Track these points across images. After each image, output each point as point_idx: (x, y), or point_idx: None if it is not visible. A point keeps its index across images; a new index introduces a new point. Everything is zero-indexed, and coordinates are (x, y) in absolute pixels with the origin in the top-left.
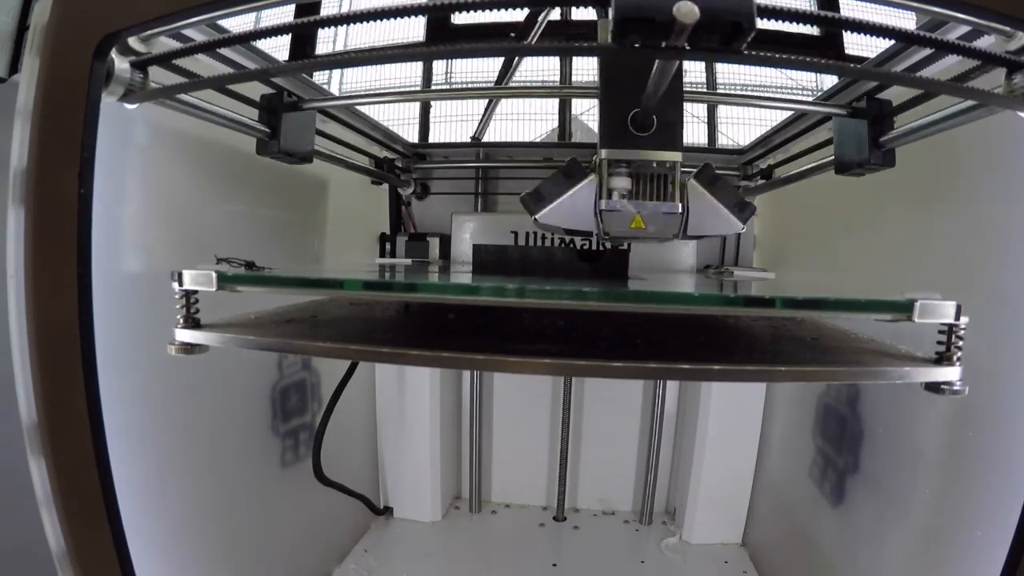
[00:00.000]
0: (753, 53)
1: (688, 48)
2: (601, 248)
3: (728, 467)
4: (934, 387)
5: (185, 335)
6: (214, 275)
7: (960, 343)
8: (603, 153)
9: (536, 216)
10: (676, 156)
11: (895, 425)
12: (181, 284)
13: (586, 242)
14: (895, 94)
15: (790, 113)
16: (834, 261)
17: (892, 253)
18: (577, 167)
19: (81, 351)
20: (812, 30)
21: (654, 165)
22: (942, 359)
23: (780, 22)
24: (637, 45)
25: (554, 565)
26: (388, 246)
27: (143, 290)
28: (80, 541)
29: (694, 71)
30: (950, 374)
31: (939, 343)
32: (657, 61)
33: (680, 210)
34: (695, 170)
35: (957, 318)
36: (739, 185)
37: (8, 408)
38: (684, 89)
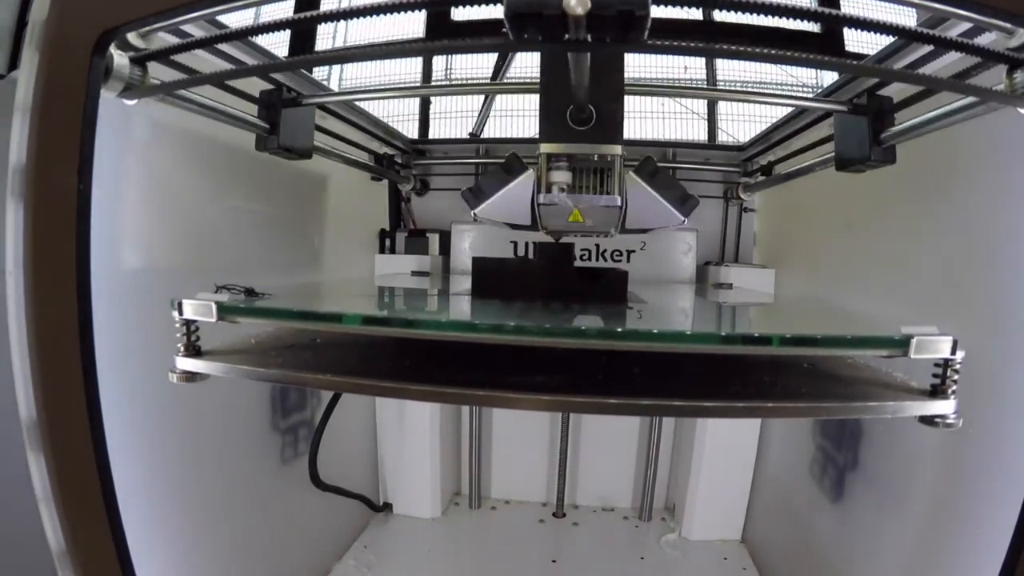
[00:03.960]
0: (753, 50)
1: (589, 40)
2: (600, 267)
3: (728, 463)
4: (928, 420)
5: (186, 363)
6: (214, 306)
7: (956, 376)
8: (542, 147)
9: (474, 211)
10: (615, 149)
11: (895, 423)
12: (181, 313)
13: (585, 252)
14: (895, 90)
15: (790, 110)
16: (834, 258)
17: (891, 249)
18: (517, 162)
19: (80, 347)
20: (813, 26)
21: (595, 159)
22: (936, 392)
23: (781, 18)
24: (538, 39)
25: (553, 561)
26: (388, 242)
27: (141, 285)
28: (79, 538)
29: (695, 68)
30: (944, 407)
31: (934, 375)
32: (570, 55)
33: (619, 203)
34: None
35: (953, 353)
36: (739, 182)
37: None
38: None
